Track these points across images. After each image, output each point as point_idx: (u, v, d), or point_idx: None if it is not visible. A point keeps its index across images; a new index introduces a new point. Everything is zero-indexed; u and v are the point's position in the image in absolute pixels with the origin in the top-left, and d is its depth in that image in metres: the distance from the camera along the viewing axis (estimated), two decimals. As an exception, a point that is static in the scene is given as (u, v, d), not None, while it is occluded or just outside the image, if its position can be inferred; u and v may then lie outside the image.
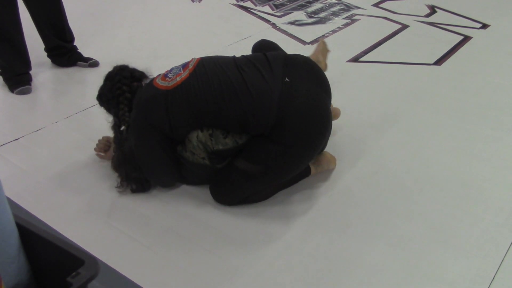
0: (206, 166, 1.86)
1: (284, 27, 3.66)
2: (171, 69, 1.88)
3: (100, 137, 2.11)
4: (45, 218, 1.80)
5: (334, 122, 2.35)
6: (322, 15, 3.93)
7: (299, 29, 3.63)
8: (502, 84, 2.84)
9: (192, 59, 1.88)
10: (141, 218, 1.83)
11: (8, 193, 1.84)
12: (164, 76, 1.85)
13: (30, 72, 2.81)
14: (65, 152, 2.19)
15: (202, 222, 1.81)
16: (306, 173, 1.99)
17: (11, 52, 2.68)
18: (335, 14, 3.95)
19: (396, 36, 3.53)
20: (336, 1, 4.24)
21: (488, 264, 1.64)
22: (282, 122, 1.73)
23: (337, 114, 2.33)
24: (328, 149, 2.09)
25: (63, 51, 2.96)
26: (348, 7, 4.10)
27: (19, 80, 2.72)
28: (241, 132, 1.82)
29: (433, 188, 1.99)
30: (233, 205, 1.87)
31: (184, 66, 1.85)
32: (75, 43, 3.01)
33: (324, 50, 2.39)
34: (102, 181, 2.01)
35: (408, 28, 3.66)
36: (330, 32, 3.56)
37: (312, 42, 3.38)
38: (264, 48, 2.11)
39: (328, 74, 2.01)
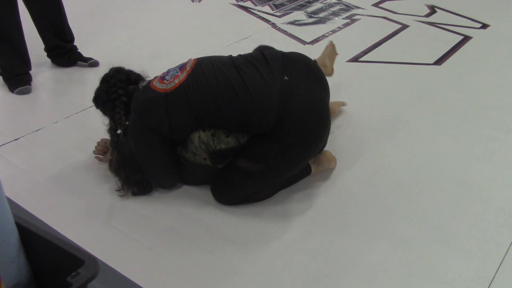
0: (207, 167, 1.86)
1: (284, 27, 3.66)
2: (168, 71, 1.87)
3: (99, 139, 2.11)
4: (45, 218, 1.80)
5: (333, 121, 2.37)
6: (322, 15, 3.93)
7: (299, 29, 3.63)
8: (502, 84, 2.85)
9: (189, 60, 1.88)
10: (141, 218, 1.83)
11: (8, 193, 1.84)
12: (162, 78, 1.84)
13: (30, 72, 2.81)
14: (65, 152, 2.19)
15: (202, 222, 1.81)
16: (306, 172, 1.99)
17: (11, 52, 2.68)
18: (335, 14, 3.95)
19: (396, 36, 3.53)
20: (336, 1, 4.24)
21: (488, 264, 1.64)
22: (283, 120, 1.73)
23: (335, 112, 2.34)
24: (328, 148, 2.09)
25: (63, 51, 2.95)
26: (348, 7, 4.10)
27: (19, 80, 2.72)
28: (242, 131, 1.82)
29: (433, 188, 1.99)
30: (234, 205, 1.87)
31: (181, 67, 1.85)
32: (75, 43, 3.01)
33: (332, 54, 2.37)
34: (102, 181, 2.01)
35: (408, 28, 3.66)
36: (330, 32, 3.56)
37: (312, 42, 3.38)
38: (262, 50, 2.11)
39: (328, 74, 2.01)
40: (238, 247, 1.70)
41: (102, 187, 1.98)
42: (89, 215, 1.84)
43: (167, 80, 1.81)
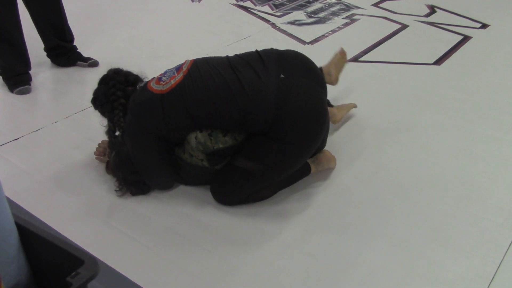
0: (204, 168, 1.86)
1: (284, 27, 3.66)
2: (165, 72, 1.87)
3: (100, 140, 2.11)
4: (45, 218, 1.80)
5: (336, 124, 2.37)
6: (321, 15, 3.93)
7: (299, 29, 3.63)
8: (502, 84, 2.85)
9: (186, 61, 1.88)
10: (141, 218, 1.83)
11: (8, 193, 1.84)
12: (158, 79, 1.84)
13: (30, 72, 2.80)
14: (64, 152, 2.19)
15: (202, 222, 1.81)
16: (306, 172, 1.99)
17: (11, 52, 2.68)
18: (334, 14, 3.95)
19: (396, 36, 3.53)
20: (336, 1, 4.24)
21: (488, 264, 1.64)
22: (280, 119, 1.73)
23: (333, 116, 2.31)
24: (328, 148, 2.09)
25: (63, 51, 2.95)
26: (348, 7, 4.10)
27: (19, 80, 2.72)
28: (240, 131, 1.82)
29: (433, 188, 1.99)
30: (233, 205, 1.87)
31: (178, 68, 1.84)
32: (74, 43, 3.01)
33: (339, 62, 2.29)
34: (102, 181, 2.01)
35: (407, 28, 3.66)
36: (330, 32, 3.56)
37: (312, 42, 3.38)
38: None
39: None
40: (238, 247, 1.70)
41: (102, 187, 1.98)
42: (89, 215, 1.84)
43: (163, 81, 1.81)
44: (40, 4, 2.75)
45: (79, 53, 3.01)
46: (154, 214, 1.84)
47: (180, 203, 1.90)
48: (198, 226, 1.79)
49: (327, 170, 2.07)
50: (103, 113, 1.97)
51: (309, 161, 2.00)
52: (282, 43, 3.28)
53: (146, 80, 1.95)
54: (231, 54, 1.93)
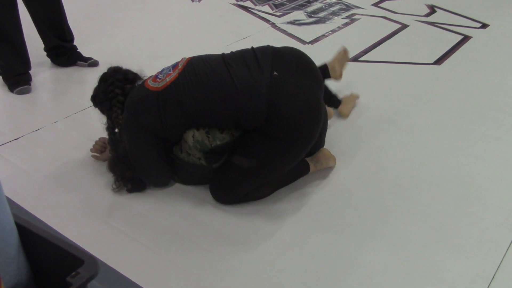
0: (202, 167, 1.86)
1: (284, 26, 3.66)
2: (162, 70, 1.88)
3: (97, 138, 2.12)
4: (45, 217, 1.80)
5: (332, 122, 2.37)
6: (321, 14, 3.93)
7: (299, 28, 3.63)
8: (502, 84, 2.85)
9: (182, 59, 1.89)
10: (141, 217, 1.83)
11: (8, 193, 1.84)
12: (155, 77, 1.85)
13: (30, 71, 2.81)
14: (64, 152, 2.19)
15: (202, 221, 1.81)
16: (305, 170, 1.99)
17: (11, 52, 2.68)
18: (334, 13, 3.95)
19: (396, 35, 3.53)
20: (336, 1, 4.24)
21: (488, 264, 1.64)
22: (273, 115, 1.74)
23: (330, 115, 2.34)
24: (327, 147, 2.09)
25: (63, 51, 2.96)
26: (348, 7, 4.10)
27: (19, 80, 2.72)
28: (235, 128, 1.83)
29: (433, 188, 1.99)
30: (233, 204, 1.87)
31: (174, 66, 1.86)
32: (74, 43, 3.01)
33: (342, 60, 2.45)
34: (102, 181, 2.01)
35: (407, 28, 3.66)
36: (330, 32, 3.56)
37: (312, 42, 3.38)
38: None
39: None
40: (237, 247, 1.70)
41: (102, 187, 1.98)
42: (89, 215, 1.84)
43: (160, 79, 1.82)
44: (40, 4, 2.75)
45: (79, 53, 3.01)
46: (153, 214, 1.84)
47: (180, 203, 1.90)
48: (198, 226, 1.79)
49: (327, 169, 2.07)
50: (102, 110, 1.98)
51: (308, 160, 2.00)
52: (282, 43, 3.26)
53: (145, 78, 1.96)
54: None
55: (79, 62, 3.00)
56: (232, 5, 4.10)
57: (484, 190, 1.98)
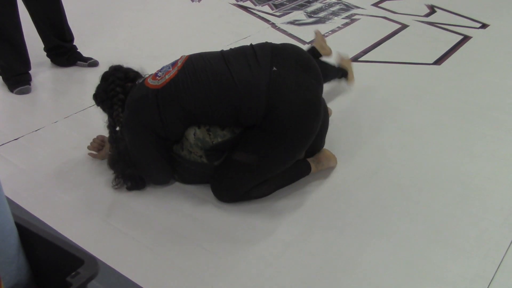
0: (203, 164, 1.87)
1: (284, 26, 3.66)
2: (162, 68, 1.90)
3: (96, 136, 2.12)
4: (45, 217, 1.80)
5: (333, 122, 2.37)
6: (321, 14, 3.93)
7: (299, 28, 3.63)
8: (502, 84, 2.84)
9: (181, 56, 1.89)
10: (141, 217, 1.83)
11: (8, 193, 1.84)
12: (155, 75, 1.86)
13: (30, 72, 2.81)
14: (64, 152, 2.19)
15: (202, 221, 1.81)
16: (306, 171, 1.99)
17: (11, 52, 2.68)
18: (334, 13, 3.95)
19: (396, 36, 3.53)
20: (336, 1, 4.24)
21: (488, 264, 1.64)
22: (273, 111, 1.74)
23: (330, 112, 2.34)
24: (328, 148, 2.09)
25: (63, 51, 2.96)
26: (348, 7, 4.10)
27: (19, 80, 2.72)
28: (235, 124, 1.83)
29: (433, 188, 1.99)
30: (234, 202, 1.87)
31: (173, 64, 1.87)
32: (74, 43, 3.01)
33: (323, 39, 2.61)
34: (102, 181, 2.00)
35: (407, 28, 3.66)
36: (330, 32, 3.56)
37: (311, 42, 3.37)
38: None
39: (328, 74, 2.01)
40: (237, 246, 1.70)
41: (102, 187, 1.98)
42: (89, 215, 1.84)
43: (159, 77, 1.83)
44: (40, 4, 2.75)
45: (79, 53, 3.01)
46: (153, 214, 1.84)
47: (180, 202, 1.90)
48: (198, 225, 1.79)
49: (327, 169, 2.07)
50: (103, 109, 2.00)
51: (309, 160, 2.00)
52: (282, 43, 3.28)
53: (146, 76, 1.96)
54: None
55: (79, 62, 3.00)
56: (232, 5, 4.10)
57: (484, 190, 1.98)
